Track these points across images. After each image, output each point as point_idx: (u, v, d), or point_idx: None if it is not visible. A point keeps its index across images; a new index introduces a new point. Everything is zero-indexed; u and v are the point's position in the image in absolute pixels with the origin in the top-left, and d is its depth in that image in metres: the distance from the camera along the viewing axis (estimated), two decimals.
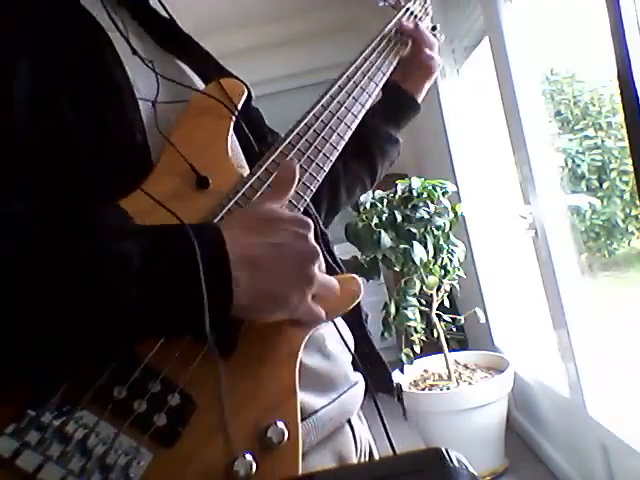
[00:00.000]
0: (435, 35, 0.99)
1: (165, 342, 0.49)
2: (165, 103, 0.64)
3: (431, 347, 2.41)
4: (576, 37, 2.31)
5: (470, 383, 2.27)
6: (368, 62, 0.81)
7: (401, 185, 2.33)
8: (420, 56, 0.92)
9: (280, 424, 0.50)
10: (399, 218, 2.24)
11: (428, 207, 2.28)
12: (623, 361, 1.99)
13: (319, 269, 0.54)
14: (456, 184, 2.56)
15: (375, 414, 0.65)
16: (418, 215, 2.25)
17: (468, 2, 2.23)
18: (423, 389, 2.33)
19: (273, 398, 0.53)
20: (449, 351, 2.39)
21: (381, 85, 0.82)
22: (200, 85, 0.72)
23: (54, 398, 0.44)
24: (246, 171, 0.68)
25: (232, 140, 0.67)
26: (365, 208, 2.29)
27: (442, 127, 2.74)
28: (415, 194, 2.30)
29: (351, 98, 0.75)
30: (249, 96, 0.70)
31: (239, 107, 0.67)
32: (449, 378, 2.34)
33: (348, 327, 0.72)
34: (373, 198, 2.31)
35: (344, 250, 2.44)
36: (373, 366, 0.74)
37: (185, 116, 0.64)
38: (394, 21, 0.91)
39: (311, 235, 0.55)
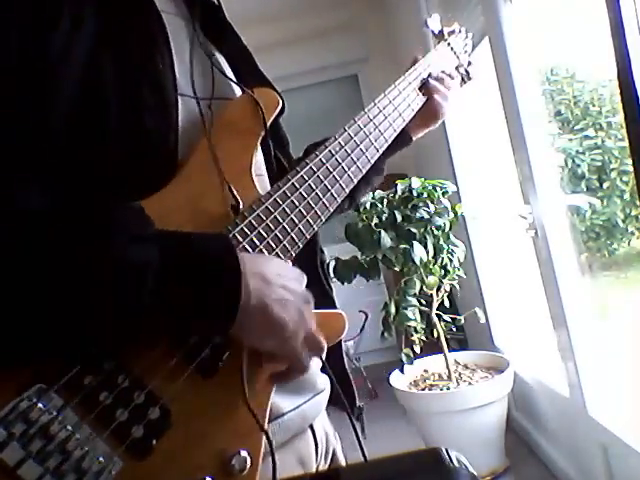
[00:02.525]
0: (468, 72, 1.00)
1: (155, 357, 0.50)
2: (204, 99, 0.64)
3: (431, 347, 2.41)
4: (576, 37, 2.31)
5: (470, 383, 2.27)
6: (391, 105, 0.81)
7: (401, 185, 2.33)
8: (432, 104, 0.90)
9: (244, 453, 0.52)
10: (399, 218, 2.24)
11: (428, 207, 2.28)
12: (623, 361, 1.99)
13: (311, 319, 0.57)
14: (456, 184, 2.55)
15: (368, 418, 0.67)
16: (418, 215, 2.25)
17: (468, 2, 2.22)
18: (423, 389, 2.33)
19: (243, 427, 0.54)
20: (449, 351, 2.39)
21: (398, 131, 0.81)
22: (234, 83, 0.71)
23: (45, 393, 0.45)
24: (265, 179, 0.69)
25: (257, 153, 0.67)
26: (365, 208, 2.29)
27: (442, 127, 2.74)
28: (415, 194, 2.30)
29: (367, 140, 0.75)
30: (282, 108, 0.70)
31: (271, 120, 0.67)
32: (449, 378, 2.33)
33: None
34: (373, 198, 2.31)
35: (344, 250, 2.44)
36: (341, 384, 0.75)
37: (217, 124, 0.64)
38: (432, 53, 0.93)
39: (304, 284, 0.59)
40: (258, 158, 0.69)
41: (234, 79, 0.71)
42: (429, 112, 0.90)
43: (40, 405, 0.44)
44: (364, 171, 0.74)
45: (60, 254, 0.44)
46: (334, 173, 0.69)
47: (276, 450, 0.60)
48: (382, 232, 2.19)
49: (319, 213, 0.66)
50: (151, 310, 0.47)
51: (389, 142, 0.79)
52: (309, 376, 0.68)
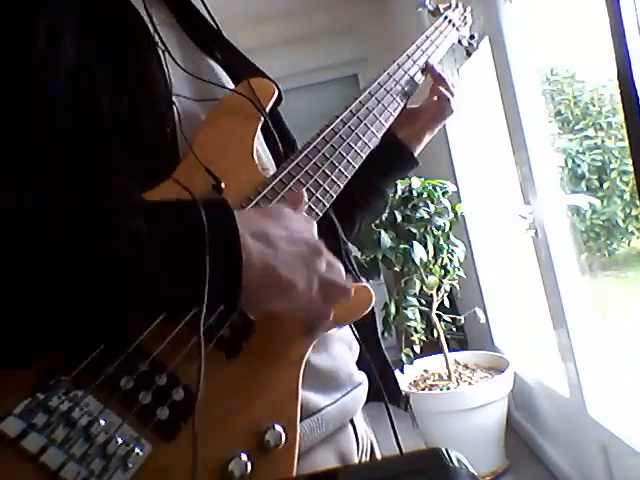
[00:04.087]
0: (472, 44, 1.00)
1: (175, 338, 0.49)
2: (196, 101, 0.64)
3: (431, 347, 2.41)
4: (576, 37, 2.31)
5: (470, 383, 2.27)
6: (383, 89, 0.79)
7: (401, 185, 2.33)
8: (438, 103, 0.86)
9: (278, 427, 0.51)
10: (399, 218, 2.24)
11: (428, 207, 2.28)
12: (623, 361, 1.99)
13: (328, 267, 0.54)
14: (456, 184, 2.56)
15: (380, 415, 0.65)
16: (418, 215, 2.25)
17: (468, 2, 2.23)
18: (423, 389, 2.33)
19: (274, 401, 0.53)
20: (449, 351, 2.39)
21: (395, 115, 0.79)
22: (230, 85, 0.72)
23: (63, 382, 0.44)
24: (271, 170, 0.68)
25: (259, 141, 0.67)
26: None
27: (442, 127, 2.73)
28: (415, 194, 2.30)
29: (372, 115, 0.75)
30: (279, 97, 0.70)
31: (268, 108, 0.67)
32: (449, 378, 2.33)
33: (359, 333, 0.72)
34: None
35: None
36: (381, 374, 0.73)
37: (213, 115, 0.64)
38: (431, 29, 0.92)
39: (315, 232, 0.55)
40: (261, 153, 0.69)
41: (227, 79, 0.72)
42: (424, 120, 0.87)
43: (60, 394, 0.44)
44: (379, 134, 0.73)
45: (32, 235, 0.43)
46: (349, 138, 0.70)
47: (316, 447, 0.60)
48: (382, 232, 2.19)
49: (321, 197, 0.65)
50: (146, 282, 0.45)
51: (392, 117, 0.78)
52: (345, 370, 0.67)
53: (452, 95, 0.88)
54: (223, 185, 0.58)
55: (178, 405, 0.48)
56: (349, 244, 0.77)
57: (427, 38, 0.90)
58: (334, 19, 3.57)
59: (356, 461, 0.67)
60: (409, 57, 0.86)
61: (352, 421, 0.68)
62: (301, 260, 0.51)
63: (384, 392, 0.69)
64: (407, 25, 3.20)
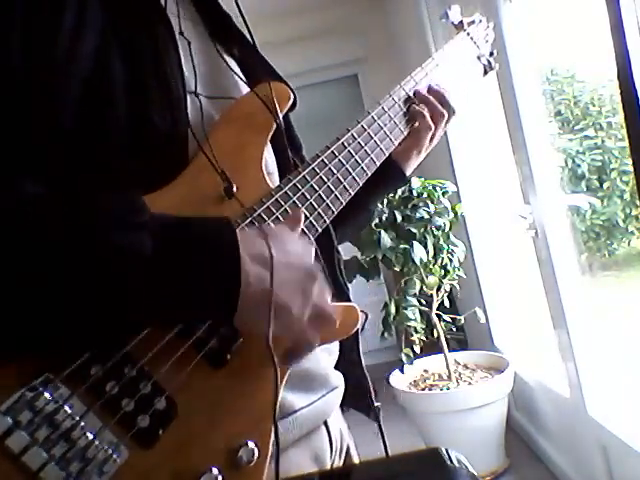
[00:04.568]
0: (490, 62, 0.98)
1: (163, 347, 0.50)
2: (209, 98, 0.63)
3: (431, 347, 2.41)
4: (576, 37, 2.31)
5: (470, 383, 2.27)
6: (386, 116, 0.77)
7: None
8: (419, 119, 0.81)
9: (251, 444, 0.52)
10: (399, 218, 2.24)
11: (428, 207, 2.28)
12: (623, 361, 1.99)
13: (319, 293, 0.54)
14: (456, 184, 2.55)
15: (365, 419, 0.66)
16: (418, 215, 2.25)
17: (468, 2, 2.23)
18: (423, 389, 2.33)
19: (251, 418, 0.53)
20: (449, 351, 2.39)
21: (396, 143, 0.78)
22: (243, 85, 0.71)
23: (52, 382, 0.45)
24: (275, 177, 0.68)
25: (268, 147, 0.67)
26: None
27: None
28: (415, 194, 2.30)
29: (372, 141, 0.74)
30: (293, 103, 0.69)
31: (283, 113, 0.67)
32: (449, 378, 2.33)
33: (340, 343, 0.74)
34: None
35: (344, 250, 2.43)
36: (356, 384, 0.75)
37: (227, 117, 0.64)
38: (451, 43, 0.91)
39: (313, 255, 0.56)
40: (268, 157, 0.69)
41: (243, 78, 0.71)
42: (411, 139, 0.82)
43: (46, 394, 0.44)
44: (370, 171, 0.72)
45: (36, 239, 0.43)
46: (355, 156, 0.70)
47: (290, 447, 0.61)
48: (382, 232, 2.19)
49: (323, 212, 0.65)
50: (141, 301, 0.46)
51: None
52: (322, 373, 0.68)
53: (436, 114, 0.83)
54: (235, 189, 0.59)
55: (159, 414, 0.49)
56: (341, 252, 0.78)
57: (446, 55, 0.89)
58: (334, 19, 3.57)
59: (329, 461, 0.69)
60: (427, 74, 0.84)
61: (326, 423, 0.69)
62: (297, 285, 0.52)
63: (348, 396, 0.72)
64: (407, 25, 3.20)
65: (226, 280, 0.48)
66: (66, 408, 0.45)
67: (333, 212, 0.66)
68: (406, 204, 2.30)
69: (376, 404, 0.77)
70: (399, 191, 2.33)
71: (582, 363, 1.82)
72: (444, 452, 0.45)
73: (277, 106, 0.66)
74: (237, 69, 0.73)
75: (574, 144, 2.70)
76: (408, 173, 0.86)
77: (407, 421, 2.37)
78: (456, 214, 2.33)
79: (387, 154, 0.75)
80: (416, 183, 2.32)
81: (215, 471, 0.49)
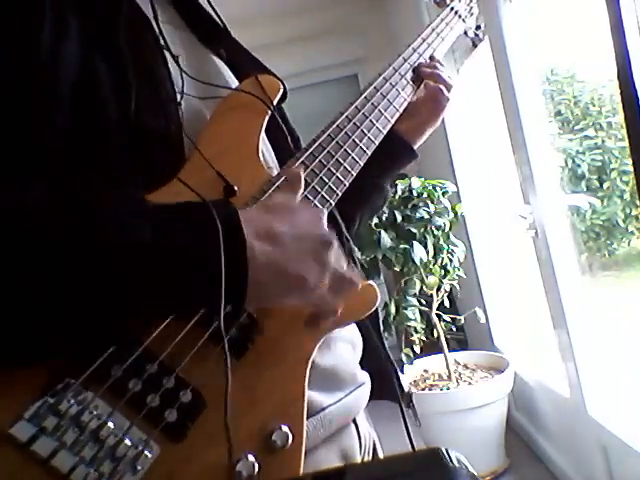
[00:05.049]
0: (478, 35, 0.98)
1: (181, 340, 0.50)
2: (200, 99, 0.64)
3: (431, 347, 2.41)
4: (576, 37, 2.31)
5: (470, 383, 2.27)
6: (388, 84, 0.78)
7: (401, 185, 2.33)
8: (432, 97, 0.84)
9: (285, 428, 0.51)
10: (399, 218, 2.24)
11: (428, 207, 2.28)
12: (623, 361, 1.99)
13: (336, 259, 0.53)
14: (456, 184, 2.56)
15: (382, 414, 0.65)
16: (418, 215, 2.25)
17: None
18: (423, 389, 2.33)
19: (281, 402, 0.53)
20: (449, 351, 2.39)
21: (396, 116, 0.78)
22: (234, 83, 0.71)
23: (72, 385, 0.45)
24: (275, 170, 0.68)
25: (263, 138, 0.66)
26: None
27: (442, 127, 2.74)
28: (415, 194, 2.30)
29: (377, 111, 0.75)
30: (284, 93, 0.69)
31: (274, 103, 0.67)
32: (449, 378, 2.33)
33: (362, 331, 0.73)
34: None
35: None
36: (384, 373, 0.73)
37: (219, 112, 0.64)
38: (437, 20, 0.91)
39: (325, 222, 0.55)
40: (267, 153, 0.69)
41: (232, 77, 0.71)
42: (426, 114, 0.85)
43: (69, 398, 0.44)
44: (384, 131, 0.73)
45: (35, 237, 0.43)
46: (355, 133, 0.70)
47: (319, 446, 0.60)
48: (382, 232, 2.19)
49: (327, 196, 0.65)
50: (142, 287, 0.45)
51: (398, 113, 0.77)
52: (349, 369, 0.67)
53: (447, 87, 0.85)
54: (236, 188, 0.58)
55: (186, 407, 0.48)
56: (352, 242, 0.77)
57: (433, 30, 0.89)
58: (334, 19, 3.57)
59: (359, 460, 0.67)
60: (415, 50, 0.85)
61: (355, 420, 0.68)
62: (310, 255, 0.51)
63: (386, 390, 0.69)
64: (407, 25, 3.20)
65: (234, 262, 0.47)
66: (91, 409, 0.45)
67: (337, 194, 0.65)
68: (406, 204, 2.30)
69: (406, 390, 0.75)
70: (399, 191, 2.33)
71: (582, 363, 1.82)
72: (444, 452, 0.45)
73: (269, 97, 0.66)
74: (225, 68, 0.73)
75: (574, 144, 2.70)
76: (417, 147, 0.88)
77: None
78: (456, 214, 2.33)
79: (393, 122, 0.75)
80: (416, 183, 2.32)
81: (251, 457, 0.48)
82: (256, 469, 0.48)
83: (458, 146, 2.74)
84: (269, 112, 0.65)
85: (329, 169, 0.65)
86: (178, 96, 0.60)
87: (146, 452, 0.46)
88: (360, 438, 0.68)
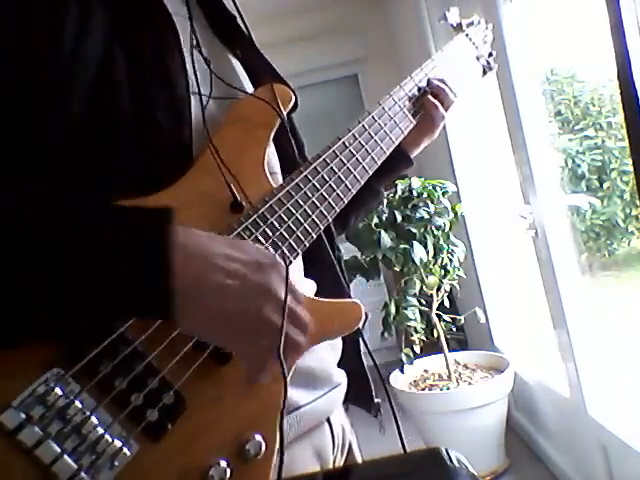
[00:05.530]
0: (489, 63, 0.99)
1: (169, 343, 0.51)
2: (216, 99, 0.64)
3: (431, 347, 2.41)
4: (576, 37, 2.31)
5: (470, 383, 2.27)
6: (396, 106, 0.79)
7: (401, 185, 2.33)
8: (428, 112, 0.85)
9: (258, 437, 0.52)
10: (399, 218, 2.24)
11: (428, 207, 2.28)
12: (623, 361, 1.99)
13: (287, 313, 0.50)
14: (456, 184, 2.55)
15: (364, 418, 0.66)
16: (418, 215, 2.25)
17: (468, 2, 2.22)
18: (423, 389, 2.33)
19: (258, 412, 0.54)
20: (449, 351, 2.39)
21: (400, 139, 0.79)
22: (248, 85, 0.72)
23: (62, 378, 0.46)
24: (279, 177, 0.69)
25: (270, 147, 0.67)
26: None
27: (442, 127, 2.73)
28: (415, 194, 2.30)
29: (382, 131, 0.76)
30: (295, 104, 0.70)
31: (285, 113, 0.68)
32: (449, 378, 2.33)
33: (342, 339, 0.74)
34: None
35: (344, 250, 2.43)
36: (357, 381, 0.75)
37: (230, 117, 0.65)
38: (450, 44, 0.92)
39: (277, 276, 0.51)
40: (272, 157, 0.70)
41: (241, 81, 0.72)
42: (422, 127, 0.86)
43: (57, 389, 0.45)
44: (371, 171, 0.73)
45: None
46: (359, 151, 0.71)
47: (293, 443, 0.62)
48: (382, 232, 2.19)
49: (326, 211, 0.65)
50: (70, 291, 0.45)
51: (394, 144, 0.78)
52: (326, 370, 0.69)
53: (445, 104, 0.87)
54: (244, 203, 0.59)
55: (168, 408, 0.50)
56: (341, 251, 0.78)
57: (445, 56, 0.91)
58: (334, 19, 3.57)
59: (331, 458, 0.69)
60: (426, 75, 0.86)
61: (328, 419, 0.70)
62: (243, 297, 0.49)
63: (359, 397, 0.73)
64: (407, 25, 3.20)
65: (150, 271, 0.45)
66: (77, 403, 0.46)
67: (336, 211, 0.66)
68: (406, 204, 2.30)
69: (376, 400, 0.77)
70: (399, 191, 2.33)
71: (582, 363, 1.82)
72: (444, 452, 0.45)
73: (280, 106, 0.67)
74: (241, 70, 0.73)
75: (574, 144, 2.70)
76: (414, 155, 0.91)
77: (407, 421, 2.37)
78: (456, 214, 2.33)
79: (387, 153, 0.76)
80: (416, 183, 2.32)
81: (223, 463, 0.50)
82: (227, 475, 0.50)
83: (458, 146, 2.74)
84: (279, 121, 0.66)
85: (330, 185, 0.66)
86: (192, 97, 0.60)
87: (125, 449, 0.47)
88: (333, 436, 0.70)
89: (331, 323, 0.61)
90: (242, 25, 0.75)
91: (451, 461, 0.43)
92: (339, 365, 0.73)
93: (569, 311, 1.84)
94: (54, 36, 0.52)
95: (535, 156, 1.87)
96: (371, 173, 0.72)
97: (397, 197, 2.33)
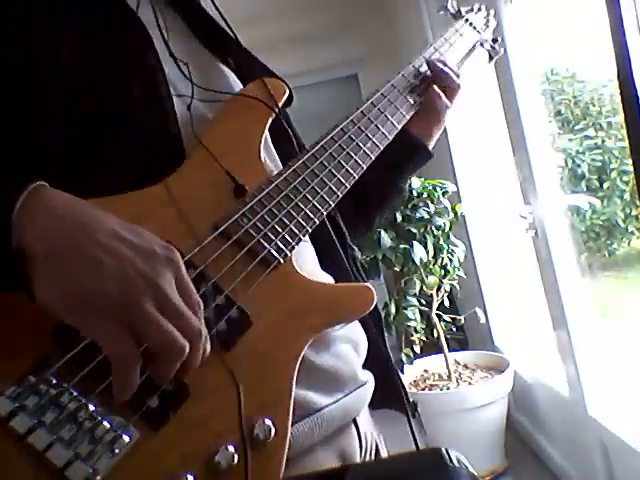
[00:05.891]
0: (495, 47, 0.98)
1: None
2: (202, 101, 0.64)
3: (431, 347, 2.41)
4: (576, 37, 2.31)
5: (470, 383, 2.27)
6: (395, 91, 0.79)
7: None
8: (432, 102, 0.83)
9: (268, 421, 0.51)
10: (399, 218, 2.24)
11: (428, 207, 2.28)
12: (623, 361, 1.99)
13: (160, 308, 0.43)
14: (456, 184, 2.55)
15: (386, 418, 0.64)
16: (418, 215, 2.25)
17: (468, 2, 2.23)
18: (423, 389, 2.33)
19: (267, 396, 0.53)
20: (449, 351, 2.39)
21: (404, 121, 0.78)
22: (239, 89, 0.72)
23: (55, 367, 0.45)
24: (278, 164, 0.69)
25: (267, 139, 0.67)
26: None
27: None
28: (415, 194, 2.30)
29: (382, 116, 0.75)
30: (290, 97, 0.70)
31: (279, 105, 0.67)
32: (449, 378, 2.33)
33: (368, 333, 0.71)
34: None
35: None
36: (386, 382, 0.72)
37: (222, 112, 0.65)
38: (451, 31, 0.91)
39: (170, 273, 0.45)
40: (268, 150, 0.69)
41: (231, 88, 0.71)
42: (428, 117, 0.84)
43: (50, 378, 0.45)
44: (374, 155, 0.72)
45: None
46: (357, 139, 0.70)
47: (315, 447, 0.59)
48: (382, 232, 2.19)
49: (327, 197, 0.64)
50: None
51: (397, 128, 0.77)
52: (350, 370, 0.66)
53: (454, 87, 0.84)
54: (247, 187, 0.59)
55: (169, 395, 0.48)
56: (355, 250, 0.76)
57: (446, 41, 0.90)
58: (334, 19, 3.57)
59: (358, 461, 0.66)
60: (425, 59, 0.85)
61: (355, 420, 0.67)
62: (115, 269, 0.43)
63: (391, 399, 0.69)
64: (407, 25, 3.20)
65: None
66: (71, 390, 0.45)
67: (338, 195, 0.65)
68: (406, 204, 2.30)
69: (412, 399, 0.74)
70: None
71: (582, 363, 1.82)
72: (444, 452, 0.45)
73: (272, 99, 0.67)
74: (231, 74, 0.73)
75: (574, 144, 2.70)
76: (431, 147, 0.88)
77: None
78: (456, 214, 2.33)
79: (390, 138, 0.75)
80: (416, 183, 2.32)
81: (231, 448, 0.48)
82: (235, 460, 0.48)
83: (458, 146, 2.74)
84: (273, 114, 0.66)
85: (331, 170, 0.66)
86: (175, 98, 0.60)
87: (124, 436, 0.46)
88: (360, 438, 0.67)
89: (343, 307, 0.60)
90: (227, 29, 0.75)
91: (451, 461, 0.43)
92: (367, 367, 0.70)
93: (569, 311, 1.84)
94: (33, 38, 0.53)
95: (535, 156, 1.87)
96: (374, 157, 0.71)
97: None
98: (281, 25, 3.44)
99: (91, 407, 0.45)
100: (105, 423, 0.45)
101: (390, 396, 0.73)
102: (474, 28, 0.95)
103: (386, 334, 0.74)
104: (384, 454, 0.73)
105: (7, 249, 0.42)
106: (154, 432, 0.47)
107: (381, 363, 0.72)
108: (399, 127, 0.77)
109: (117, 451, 0.45)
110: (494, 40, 0.99)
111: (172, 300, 0.44)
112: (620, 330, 2.26)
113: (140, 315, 0.42)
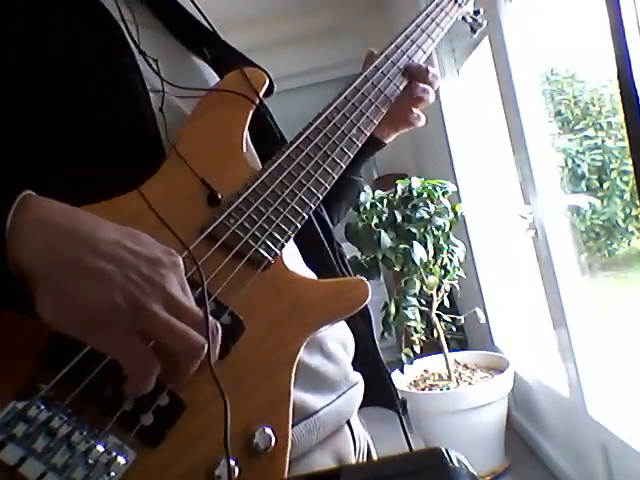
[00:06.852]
0: (477, 20, 0.95)
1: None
2: (178, 97, 0.63)
3: (431, 347, 2.41)
4: (576, 37, 2.31)
5: (470, 383, 2.27)
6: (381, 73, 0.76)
7: (401, 185, 2.33)
8: (409, 103, 0.80)
9: (268, 430, 0.49)
10: (399, 218, 2.24)
11: (428, 207, 2.28)
12: (623, 361, 1.99)
13: (165, 309, 0.42)
14: (456, 184, 2.55)
15: (375, 417, 0.64)
16: (418, 215, 2.25)
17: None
18: (423, 389, 2.33)
19: (265, 404, 0.51)
20: (449, 351, 2.39)
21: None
22: (215, 82, 0.70)
23: (43, 391, 0.43)
24: (257, 163, 0.67)
25: (247, 132, 0.65)
26: (365, 208, 2.29)
27: (442, 127, 2.74)
28: (415, 194, 2.30)
29: (367, 100, 0.73)
30: (271, 86, 0.68)
31: (260, 95, 0.65)
32: (449, 378, 2.33)
33: (354, 332, 0.71)
34: (373, 198, 2.31)
35: (344, 250, 2.43)
36: (377, 381, 0.71)
37: (200, 108, 0.63)
38: (432, 6, 0.88)
39: (176, 278, 0.44)
40: (253, 152, 0.68)
41: (206, 83, 0.70)
42: (405, 107, 0.81)
43: (39, 403, 0.43)
44: (360, 142, 0.69)
45: None
46: (342, 128, 0.67)
47: (313, 448, 0.59)
48: (382, 232, 2.19)
49: (315, 190, 0.62)
50: None
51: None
52: (340, 370, 0.65)
53: (429, 88, 0.81)
54: (220, 196, 0.57)
55: (163, 411, 0.47)
56: (343, 247, 0.75)
57: (427, 16, 0.86)
58: (334, 19, 3.57)
59: (353, 462, 0.66)
60: (408, 37, 0.82)
61: (349, 422, 0.67)
62: (108, 280, 0.41)
63: (381, 396, 0.68)
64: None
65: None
66: (61, 415, 0.43)
67: (326, 187, 0.63)
68: (406, 204, 2.30)
69: (401, 397, 0.73)
70: (399, 191, 2.33)
71: (582, 363, 1.82)
72: (444, 452, 0.45)
73: (251, 90, 0.64)
74: (207, 68, 0.72)
75: (574, 144, 2.70)
76: (387, 142, 0.85)
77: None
78: (456, 214, 2.33)
79: (377, 122, 0.72)
80: (416, 183, 2.32)
81: (231, 461, 0.46)
82: (236, 473, 0.46)
83: (458, 146, 2.74)
84: (254, 106, 0.64)
85: (317, 162, 0.63)
86: (151, 94, 0.59)
87: (120, 458, 0.44)
88: (355, 440, 0.67)
89: (336, 303, 0.58)
90: (203, 20, 0.73)
91: (451, 461, 0.43)
92: (354, 365, 0.70)
93: (569, 311, 1.84)
94: (13, 39, 0.53)
95: (535, 156, 1.87)
96: (360, 144, 0.69)
97: (397, 197, 2.33)
98: (281, 25, 3.44)
99: (82, 430, 0.43)
100: (99, 447, 0.44)
101: (380, 394, 0.72)
102: (455, 1, 0.91)
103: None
104: (375, 455, 0.72)
105: (4, 270, 0.40)
106: (151, 450, 0.46)
107: (370, 360, 0.71)
108: (384, 111, 0.74)
109: (113, 474, 0.43)
110: (476, 12, 0.96)
111: (182, 302, 0.43)
112: (620, 330, 2.26)
113: (153, 320, 0.41)
